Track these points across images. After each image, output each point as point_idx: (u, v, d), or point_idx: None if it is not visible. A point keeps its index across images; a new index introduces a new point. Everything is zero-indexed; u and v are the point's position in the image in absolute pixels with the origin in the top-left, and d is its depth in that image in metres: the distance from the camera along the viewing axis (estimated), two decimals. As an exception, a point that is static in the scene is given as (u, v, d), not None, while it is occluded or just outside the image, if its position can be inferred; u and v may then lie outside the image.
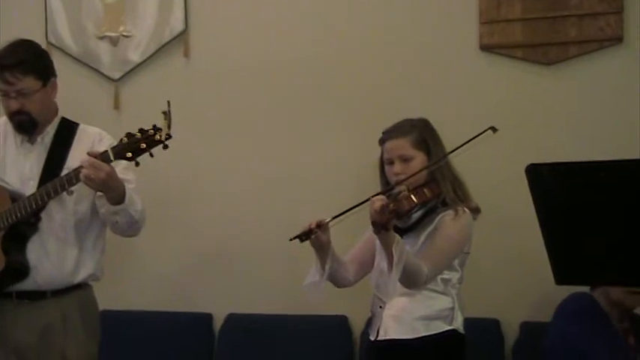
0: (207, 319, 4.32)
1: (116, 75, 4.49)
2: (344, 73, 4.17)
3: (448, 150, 3.06)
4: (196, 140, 4.28)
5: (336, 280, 3.16)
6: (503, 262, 3.92)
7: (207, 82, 4.36)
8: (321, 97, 4.21)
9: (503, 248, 3.90)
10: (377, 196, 2.80)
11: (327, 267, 3.04)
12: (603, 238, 2.47)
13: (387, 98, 4.02)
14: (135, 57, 4.45)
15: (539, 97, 3.91)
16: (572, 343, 3.32)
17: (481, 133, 2.93)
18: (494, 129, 2.93)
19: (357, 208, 2.90)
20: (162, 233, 4.24)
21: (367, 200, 2.83)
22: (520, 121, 3.82)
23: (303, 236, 2.97)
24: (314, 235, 2.96)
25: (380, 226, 2.74)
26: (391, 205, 2.72)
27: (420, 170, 3.01)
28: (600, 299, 3.38)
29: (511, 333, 3.93)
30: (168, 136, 2.92)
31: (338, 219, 2.95)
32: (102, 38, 4.48)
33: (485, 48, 3.99)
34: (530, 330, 3.79)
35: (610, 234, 2.46)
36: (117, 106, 4.48)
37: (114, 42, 4.46)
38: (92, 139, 3.31)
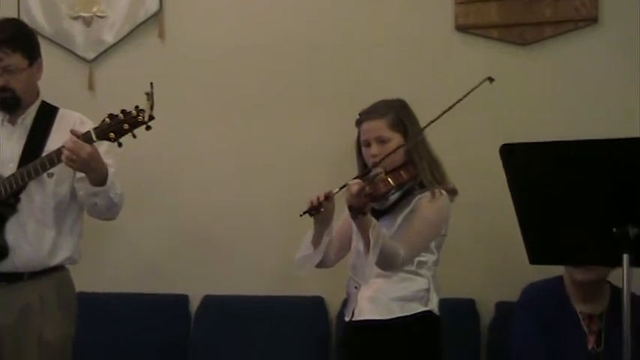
0: (183, 300, 4.30)
1: (90, 56, 4.44)
2: (321, 55, 4.15)
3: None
4: (172, 122, 4.24)
5: (324, 257, 3.06)
6: (479, 242, 3.93)
7: (182, 63, 4.32)
8: (298, 79, 4.19)
9: (479, 229, 3.91)
10: (354, 180, 2.79)
11: (324, 240, 2.99)
12: (574, 217, 2.49)
13: (364, 80, 4.00)
14: (109, 37, 4.40)
15: (515, 77, 3.90)
16: (534, 328, 3.37)
17: (479, 85, 2.90)
18: (491, 79, 2.90)
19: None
20: (139, 215, 4.21)
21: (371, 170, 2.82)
22: (495, 101, 3.82)
23: (313, 210, 2.88)
24: (323, 208, 2.88)
25: (356, 210, 2.73)
26: (367, 188, 2.71)
27: (397, 148, 3.00)
28: (566, 279, 3.42)
29: (487, 313, 3.94)
30: (151, 117, 2.93)
31: (343, 190, 2.86)
32: (75, 18, 4.43)
33: (461, 28, 3.99)
34: (505, 310, 3.81)
35: (581, 214, 2.48)
36: (91, 86, 4.43)
37: (87, 22, 4.41)
38: (72, 123, 3.28)
